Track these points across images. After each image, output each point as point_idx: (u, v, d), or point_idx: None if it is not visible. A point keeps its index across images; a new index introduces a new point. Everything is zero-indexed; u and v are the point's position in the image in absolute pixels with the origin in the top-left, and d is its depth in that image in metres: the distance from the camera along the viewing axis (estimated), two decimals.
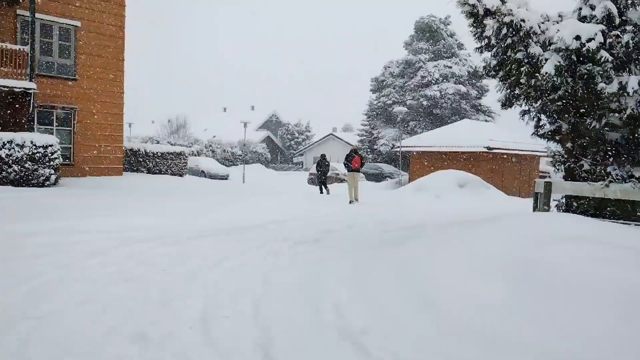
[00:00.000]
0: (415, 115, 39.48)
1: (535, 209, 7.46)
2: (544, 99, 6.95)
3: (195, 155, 39.79)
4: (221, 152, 47.06)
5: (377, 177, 34.31)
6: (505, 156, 25.13)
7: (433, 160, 25.74)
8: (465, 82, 37.83)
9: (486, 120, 35.84)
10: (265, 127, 63.52)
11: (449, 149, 24.40)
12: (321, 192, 19.40)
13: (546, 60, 6.49)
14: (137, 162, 21.32)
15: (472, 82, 38.50)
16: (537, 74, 6.63)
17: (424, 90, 36.86)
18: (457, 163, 24.56)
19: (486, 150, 23.17)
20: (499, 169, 24.87)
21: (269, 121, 65.34)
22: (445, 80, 37.44)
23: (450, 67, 37.34)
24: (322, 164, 19.56)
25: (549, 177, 30.54)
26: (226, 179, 35.96)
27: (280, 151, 60.46)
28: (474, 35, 7.65)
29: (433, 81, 37.10)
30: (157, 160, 22.05)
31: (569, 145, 7.06)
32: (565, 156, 7.17)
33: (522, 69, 6.71)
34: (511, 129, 32.52)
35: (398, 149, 27.14)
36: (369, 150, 41.38)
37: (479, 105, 38.75)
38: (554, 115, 7.17)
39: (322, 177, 19.64)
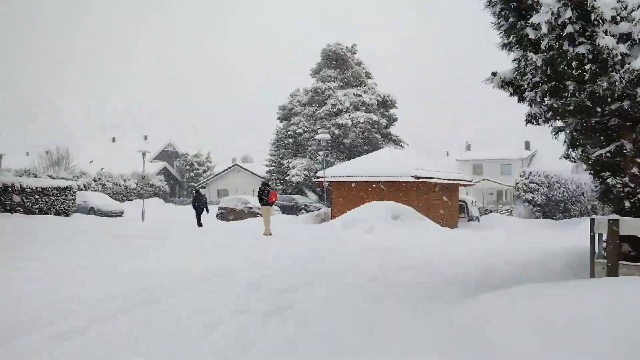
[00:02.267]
0: (324, 145, 38.10)
1: (593, 255, 5.71)
2: (604, 109, 5.29)
3: (82, 190, 34.92)
4: (112, 186, 42.15)
5: (292, 210, 32.11)
6: (429, 185, 24.26)
7: (357, 191, 24.14)
8: (375, 110, 37.35)
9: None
10: (160, 157, 58.97)
11: (374, 178, 22.96)
12: (199, 226, 19.88)
13: (623, 55, 4.81)
14: (9, 199, 17.13)
15: (380, 111, 38.16)
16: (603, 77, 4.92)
17: (335, 118, 35.72)
18: (383, 193, 23.17)
19: (414, 179, 22.05)
20: (425, 198, 23.89)
21: (165, 152, 60.89)
22: (355, 109, 36.65)
23: (360, 96, 36.68)
24: (198, 199, 20.48)
25: (466, 206, 30.44)
26: (120, 215, 31.67)
27: (179, 184, 56.16)
28: (500, 27, 5.86)
29: (344, 109, 36.12)
30: (37, 197, 17.98)
31: (635, 170, 5.45)
32: (632, 185, 5.55)
33: (586, 66, 4.98)
34: (423, 157, 32.24)
35: (319, 179, 25.22)
36: (278, 181, 39.19)
37: (389, 134, 38.43)
38: (611, 133, 5.57)
39: (198, 212, 20.33)
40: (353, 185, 24.08)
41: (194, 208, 20.51)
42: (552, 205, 34.82)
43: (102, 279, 7.58)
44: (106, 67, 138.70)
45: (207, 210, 20.88)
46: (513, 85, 6.43)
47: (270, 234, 15.57)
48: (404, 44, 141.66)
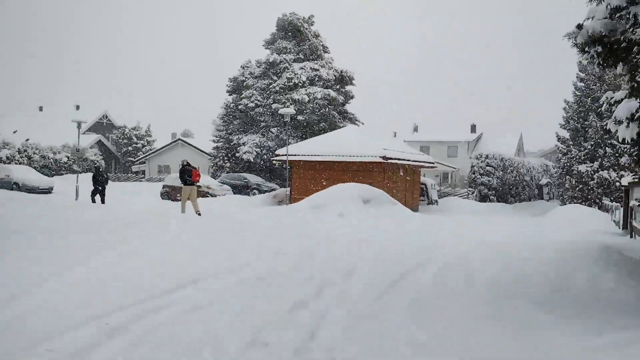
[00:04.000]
0: (278, 121, 36.08)
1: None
2: None
3: (4, 163, 31.14)
4: (40, 159, 38.14)
5: (243, 189, 30.07)
6: (395, 167, 23.02)
7: (320, 171, 22.50)
8: (332, 86, 35.63)
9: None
10: (94, 129, 54.49)
11: (341, 158, 21.39)
12: (93, 202, 18.86)
13: None
14: None
15: (337, 87, 36.48)
16: None
17: (290, 93, 33.68)
18: (349, 174, 21.67)
19: (382, 160, 20.69)
20: (391, 180, 22.64)
21: (99, 123, 56.38)
22: (312, 84, 34.75)
23: (318, 70, 34.78)
24: (98, 176, 19.48)
25: (426, 189, 29.60)
26: (49, 192, 28.43)
27: (115, 158, 52.19)
28: None
29: (300, 84, 34.11)
30: None
31: None
32: None
33: None
34: (386, 138, 31.01)
35: (279, 157, 23.33)
36: (226, 158, 36.80)
37: (345, 112, 36.89)
38: None
39: (99, 190, 19.30)
40: (316, 164, 22.40)
41: (94, 185, 19.36)
42: (505, 189, 34.82)
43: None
44: (35, 22, 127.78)
45: (103, 194, 19.31)
46: (604, 43, 4.95)
47: (198, 214, 15.01)
48: (357, 18, 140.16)
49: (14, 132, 47.19)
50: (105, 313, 5.13)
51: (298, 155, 22.38)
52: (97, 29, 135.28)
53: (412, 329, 5.07)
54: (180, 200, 16.62)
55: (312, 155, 22.11)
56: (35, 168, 33.45)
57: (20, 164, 34.60)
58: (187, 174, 15.66)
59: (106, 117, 57.45)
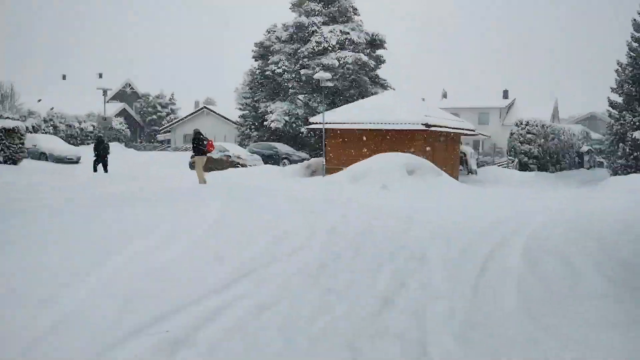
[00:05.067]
0: (305, 88, 34.71)
1: None
2: None
3: (31, 132, 30.64)
4: (65, 128, 37.64)
5: (274, 159, 29.06)
6: (436, 135, 21.68)
7: (357, 139, 21.29)
8: (363, 50, 33.96)
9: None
10: (118, 98, 53.86)
11: (379, 126, 20.10)
12: (95, 171, 18.95)
13: None
14: None
15: (368, 51, 34.77)
16: None
17: (320, 58, 32.17)
18: (388, 143, 20.44)
19: (424, 127, 19.37)
20: (432, 149, 21.34)
21: (123, 92, 55.68)
22: (342, 48, 33.15)
23: (348, 34, 33.09)
24: (100, 146, 19.10)
25: (465, 158, 28.17)
26: (77, 162, 27.93)
27: (140, 128, 51.65)
28: None
29: (330, 48, 32.54)
30: None
31: None
32: None
33: None
34: (423, 104, 29.50)
35: (315, 125, 22.15)
36: (253, 127, 35.74)
37: (377, 77, 35.27)
38: None
39: (102, 159, 19.02)
40: (353, 133, 21.18)
41: (96, 156, 19.14)
42: (546, 158, 33.11)
43: None
44: None
45: (105, 167, 19.10)
46: None
47: (205, 182, 14.61)
48: None
49: (39, 100, 46.77)
50: (158, 317, 4.18)
51: (333, 122, 21.17)
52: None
53: (547, 340, 4.00)
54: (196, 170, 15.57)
55: (348, 122, 20.88)
56: (61, 137, 32.96)
57: (46, 133, 34.11)
58: (201, 143, 15.04)
59: (129, 85, 56.70)
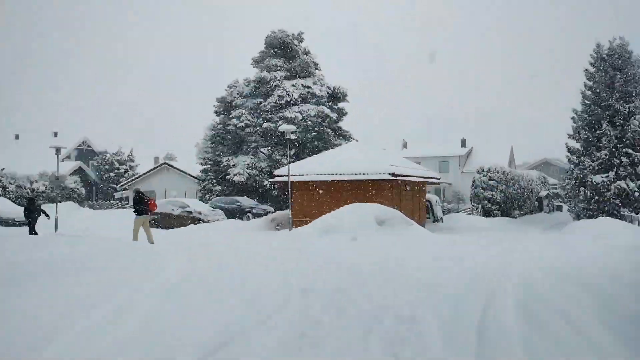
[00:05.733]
0: (269, 141, 34.49)
1: None
2: None
3: None
4: (16, 189, 35.81)
5: (236, 213, 28.22)
6: (401, 184, 21.49)
7: (323, 191, 20.85)
8: (325, 103, 34.21)
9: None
10: (74, 157, 52.24)
11: (346, 177, 19.77)
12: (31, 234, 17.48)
13: None
14: None
15: (329, 104, 35.07)
16: None
17: (283, 111, 32.15)
18: (355, 194, 20.08)
19: (391, 177, 19.13)
20: (398, 198, 21.09)
21: (79, 150, 54.12)
22: (304, 102, 33.29)
23: (310, 87, 33.36)
24: (31, 209, 17.97)
25: (431, 206, 28.10)
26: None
27: (96, 185, 49.88)
28: None
29: (292, 101, 32.63)
30: None
31: None
32: None
33: None
34: (388, 154, 29.50)
35: (279, 178, 21.63)
36: (215, 181, 34.92)
37: (339, 129, 35.43)
38: None
39: (31, 222, 17.83)
40: (319, 184, 20.75)
41: (26, 218, 17.99)
42: (509, 203, 33.53)
43: None
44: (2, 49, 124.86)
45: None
46: None
47: (151, 243, 14.34)
48: (338, 34, 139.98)
49: None
50: None
51: (299, 175, 20.72)
52: (74, 55, 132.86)
53: None
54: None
55: (314, 174, 20.48)
56: (10, 199, 31.18)
57: None
58: (143, 203, 14.84)
59: (86, 143, 55.25)
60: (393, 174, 19.10)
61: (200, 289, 7.21)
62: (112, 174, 49.36)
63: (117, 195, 46.58)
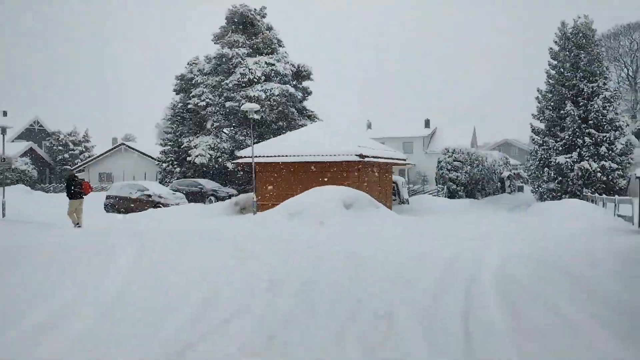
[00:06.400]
0: (231, 121, 33.42)
1: None
2: None
3: None
4: None
5: (199, 197, 27.24)
6: (368, 165, 21.03)
7: (289, 173, 20.16)
8: (290, 82, 33.27)
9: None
10: (25, 137, 49.61)
11: (313, 158, 19.12)
12: None
13: None
14: None
15: (294, 83, 34.15)
16: None
17: (246, 90, 31.05)
18: (321, 176, 19.50)
19: (358, 158, 18.60)
20: (366, 180, 20.63)
21: (31, 130, 51.43)
22: (268, 80, 32.27)
23: (274, 65, 32.31)
24: None
25: (397, 188, 27.83)
26: None
27: (49, 167, 47.59)
28: None
29: (255, 80, 31.55)
30: None
31: None
32: None
33: None
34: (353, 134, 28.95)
35: (243, 159, 20.78)
36: (176, 163, 33.67)
37: (304, 108, 34.62)
38: None
39: None
40: (285, 166, 20.04)
41: None
42: (472, 184, 33.68)
43: None
44: None
45: None
46: None
47: (78, 225, 14.34)
48: (307, 11, 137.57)
49: None
50: None
51: (263, 156, 19.95)
52: (26, 28, 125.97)
53: None
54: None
55: (279, 155, 19.74)
56: None
57: None
58: (76, 186, 14.53)
59: (38, 123, 52.49)
60: (361, 155, 18.58)
61: (153, 287, 6.48)
62: (66, 155, 47.14)
63: None
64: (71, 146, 47.60)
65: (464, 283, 6.88)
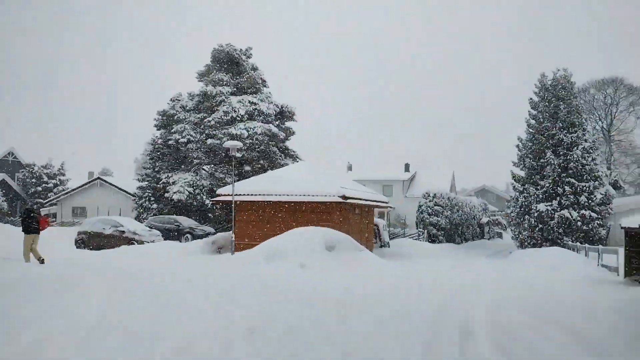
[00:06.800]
0: (212, 158, 33.05)
1: None
2: None
3: None
4: None
5: (175, 234, 26.44)
6: (350, 207, 20.73)
7: (269, 213, 19.70)
8: (272, 121, 33.21)
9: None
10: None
11: (294, 198, 18.73)
12: None
13: None
14: None
15: (277, 123, 34.09)
16: None
17: (228, 128, 30.82)
18: (303, 216, 19.10)
19: (341, 200, 18.29)
20: (348, 222, 20.28)
21: (4, 161, 50.10)
22: (251, 119, 32.15)
23: (257, 104, 32.26)
24: None
25: (378, 230, 27.48)
26: None
27: (21, 200, 46.15)
28: None
29: (238, 118, 31.39)
30: None
31: None
32: None
33: None
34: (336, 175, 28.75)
35: (223, 197, 20.28)
36: (153, 199, 32.89)
37: (286, 148, 34.46)
38: None
39: None
40: (265, 204, 19.58)
41: None
42: (453, 229, 33.60)
43: None
44: None
45: None
46: None
47: (40, 261, 13.70)
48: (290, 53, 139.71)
49: None
50: None
51: (244, 194, 19.49)
52: (4, 57, 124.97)
53: None
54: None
55: (260, 194, 19.31)
56: None
57: None
58: (33, 220, 14.30)
59: (12, 154, 51.23)
60: (343, 197, 18.28)
61: (120, 336, 5.91)
62: (39, 188, 45.84)
63: (43, 211, 43.17)
64: (45, 179, 46.37)
65: (458, 330, 6.48)
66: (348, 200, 18.62)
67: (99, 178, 41.04)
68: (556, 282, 11.81)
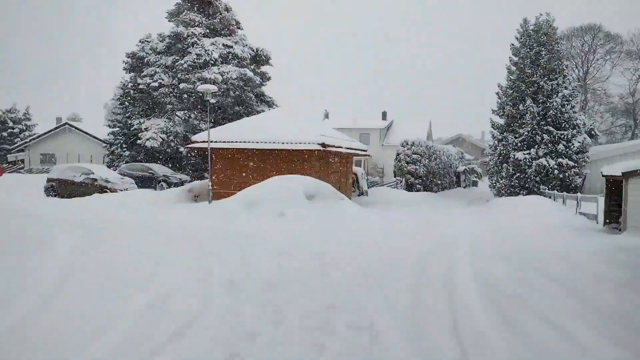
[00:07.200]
0: (185, 103, 31.89)
1: None
2: None
3: None
4: None
5: (149, 182, 25.77)
6: (329, 155, 20.33)
7: (247, 160, 19.16)
8: (248, 66, 32.00)
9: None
10: None
11: (273, 145, 18.17)
12: None
13: None
14: None
15: (252, 67, 32.89)
16: None
17: (202, 72, 29.58)
18: (281, 164, 18.64)
19: (320, 148, 17.83)
20: (327, 170, 19.93)
21: None
22: (225, 62, 30.89)
23: (231, 47, 30.93)
24: None
25: (357, 179, 27.27)
26: None
27: None
28: None
29: (212, 61, 30.10)
30: None
31: None
32: None
33: None
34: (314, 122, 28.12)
35: (198, 144, 19.58)
36: (125, 146, 31.86)
37: (262, 94, 33.46)
38: None
39: None
40: (243, 152, 19.02)
41: None
42: (430, 177, 33.64)
43: None
44: None
45: None
46: None
47: None
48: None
49: None
50: None
51: (220, 141, 18.84)
52: None
53: None
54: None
55: (237, 142, 18.69)
56: None
57: None
58: None
59: None
60: (323, 144, 17.80)
61: (91, 287, 5.51)
62: (4, 134, 44.06)
63: (10, 157, 41.67)
64: (10, 124, 44.51)
65: (444, 281, 6.28)
66: (328, 148, 18.18)
67: (67, 123, 39.51)
68: (537, 230, 11.78)
